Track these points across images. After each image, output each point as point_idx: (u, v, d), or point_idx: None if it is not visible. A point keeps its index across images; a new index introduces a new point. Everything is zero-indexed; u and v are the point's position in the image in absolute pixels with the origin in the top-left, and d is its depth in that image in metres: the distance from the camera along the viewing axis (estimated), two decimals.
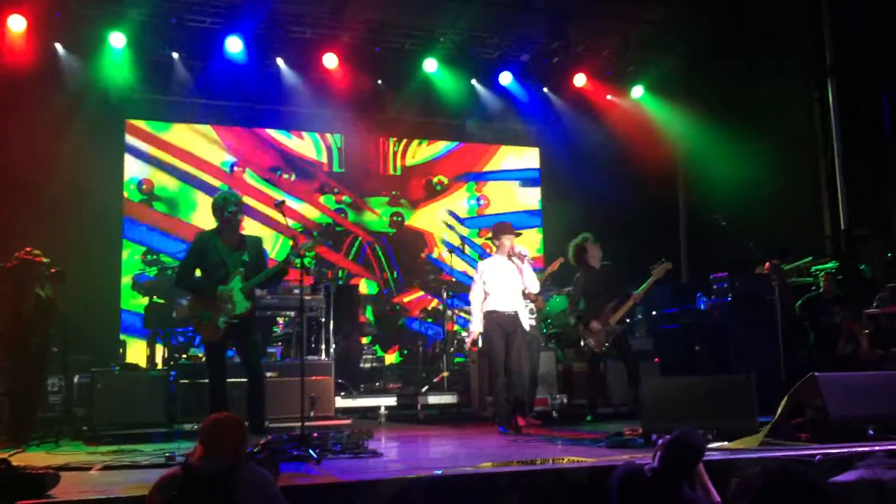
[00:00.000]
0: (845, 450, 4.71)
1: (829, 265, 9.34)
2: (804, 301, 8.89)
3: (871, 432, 5.08)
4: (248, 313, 6.01)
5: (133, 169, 11.04)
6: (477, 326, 7.12)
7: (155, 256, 10.79)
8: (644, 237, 10.99)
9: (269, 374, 7.16)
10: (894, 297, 7.95)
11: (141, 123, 11.13)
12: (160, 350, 8.69)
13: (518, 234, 7.27)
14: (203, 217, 11.12)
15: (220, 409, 5.68)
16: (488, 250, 12.23)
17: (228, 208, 6.04)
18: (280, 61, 11.04)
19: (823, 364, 7.58)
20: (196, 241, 6.19)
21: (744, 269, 8.82)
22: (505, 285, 7.05)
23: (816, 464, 4.46)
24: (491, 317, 6.99)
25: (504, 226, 7.28)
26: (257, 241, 6.29)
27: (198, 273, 6.15)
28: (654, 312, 9.45)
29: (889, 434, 5.14)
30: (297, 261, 5.76)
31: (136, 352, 9.74)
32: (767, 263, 8.96)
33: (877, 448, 4.64)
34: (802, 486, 1.81)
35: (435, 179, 12.67)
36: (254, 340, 6.15)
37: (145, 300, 8.83)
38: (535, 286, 7.17)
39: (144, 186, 11.03)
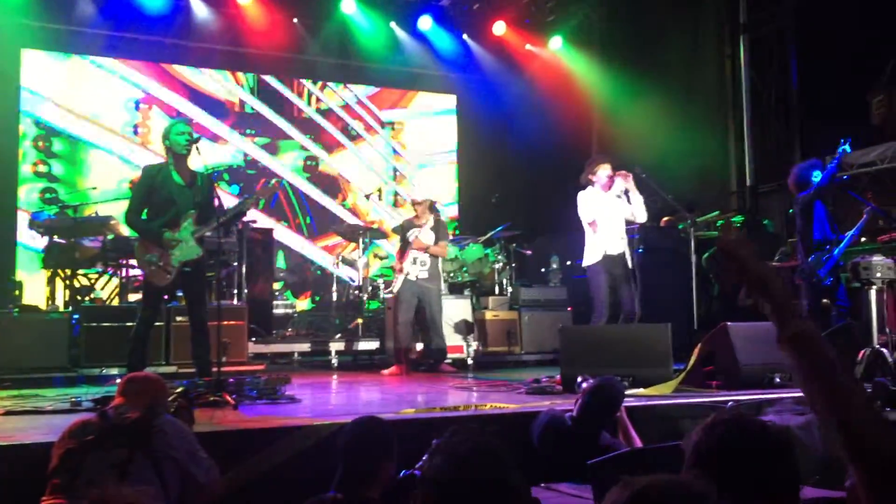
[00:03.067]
0: (755, 396, 4.90)
1: (735, 219, 9.66)
2: (710, 254, 9.17)
3: (778, 380, 5.29)
4: (199, 259, 5.60)
5: (30, 103, 10.41)
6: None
7: (54, 194, 10.27)
8: (559, 188, 11.08)
9: (179, 319, 6.97)
10: (794, 252, 8.27)
11: (39, 54, 10.48)
12: (60, 292, 8.30)
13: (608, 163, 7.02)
14: (101, 156, 10.66)
15: (140, 354, 5.48)
16: (399, 204, 12.16)
17: (182, 137, 5.49)
18: None
19: (727, 314, 7.85)
20: (144, 175, 5.62)
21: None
22: (612, 222, 6.85)
23: (728, 410, 4.60)
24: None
25: (598, 157, 7.19)
26: (208, 178, 5.77)
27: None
28: (568, 262, 9.57)
29: (793, 382, 5.37)
30: (261, 203, 5.45)
31: (33, 293, 9.31)
32: (665, 218, 9.21)
33: (784, 395, 4.83)
34: (757, 430, 1.83)
35: (350, 124, 12.43)
36: (201, 288, 5.79)
37: (44, 239, 8.39)
38: (643, 214, 6.95)
39: (42, 121, 10.43)
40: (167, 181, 5.51)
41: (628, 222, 6.98)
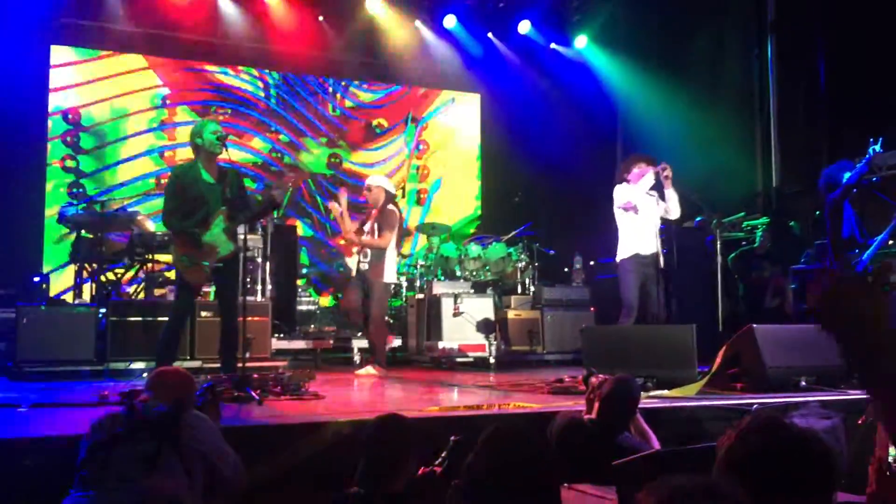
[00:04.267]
0: (780, 399, 4.85)
1: (761, 221, 9.58)
2: (736, 255, 9.11)
3: (803, 383, 5.24)
4: (233, 254, 5.66)
5: (58, 99, 10.52)
6: None
7: (81, 189, 10.37)
8: (583, 188, 11.05)
9: (204, 314, 7.03)
10: (821, 255, 8.18)
11: (67, 50, 10.60)
12: (87, 286, 8.40)
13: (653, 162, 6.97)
14: (128, 152, 10.76)
15: (172, 348, 5.58)
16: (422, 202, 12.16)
17: (215, 136, 5.53)
18: None
19: (751, 316, 7.80)
20: (174, 176, 5.70)
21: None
22: (646, 221, 6.81)
23: (756, 413, 4.57)
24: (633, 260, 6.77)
25: (634, 155, 7.14)
26: (236, 173, 5.81)
27: None
28: (591, 262, 9.54)
29: (819, 385, 5.32)
30: (286, 197, 5.49)
31: (60, 288, 9.43)
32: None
33: (810, 399, 4.78)
34: (783, 438, 1.81)
35: (375, 122, 12.46)
36: (234, 282, 5.84)
37: (72, 234, 8.49)
38: (677, 210, 6.91)
39: (70, 116, 10.54)
40: (197, 180, 5.57)
41: (662, 221, 6.95)
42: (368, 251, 7.27)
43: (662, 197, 6.83)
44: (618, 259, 6.90)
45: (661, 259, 6.79)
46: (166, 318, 6.05)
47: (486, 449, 1.88)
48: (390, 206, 7.37)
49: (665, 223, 7.07)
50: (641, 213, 6.75)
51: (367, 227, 7.38)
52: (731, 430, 1.78)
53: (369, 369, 7.12)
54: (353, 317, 7.57)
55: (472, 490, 1.83)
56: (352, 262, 7.51)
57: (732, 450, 1.72)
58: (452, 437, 2.94)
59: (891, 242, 7.49)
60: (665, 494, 1.36)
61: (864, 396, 1.93)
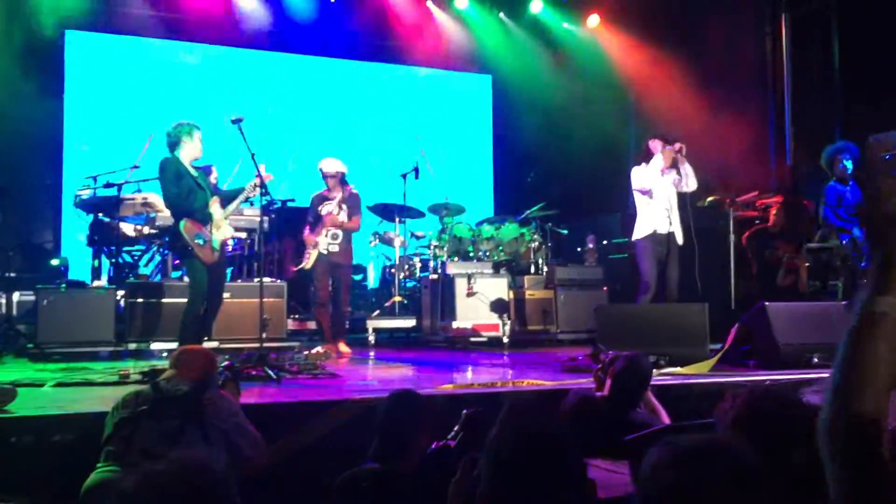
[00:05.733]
0: (793, 376, 4.89)
1: (774, 200, 9.56)
2: (750, 234, 9.11)
3: (816, 360, 5.28)
4: (229, 239, 6.22)
5: (74, 83, 10.59)
6: None
7: (98, 173, 10.43)
8: (596, 168, 11.06)
9: (224, 296, 7.10)
10: (833, 233, 8.18)
11: (81, 34, 10.64)
12: (105, 268, 8.49)
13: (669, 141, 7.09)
14: (143, 135, 10.82)
15: (195, 327, 5.81)
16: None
17: (191, 133, 5.93)
18: None
19: (765, 294, 7.81)
20: (167, 166, 5.95)
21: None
22: (662, 201, 6.94)
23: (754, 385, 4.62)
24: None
25: (654, 135, 7.25)
26: (208, 171, 6.41)
27: None
28: (604, 242, 9.56)
29: (832, 362, 5.34)
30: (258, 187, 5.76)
31: (78, 270, 9.52)
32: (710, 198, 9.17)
33: (823, 375, 4.81)
34: (787, 404, 1.88)
35: (385, 103, 12.46)
36: (225, 264, 6.33)
37: (89, 217, 8.57)
38: (694, 182, 7.03)
39: (85, 101, 10.61)
40: (188, 172, 5.90)
41: (681, 197, 7.02)
42: (340, 235, 7.48)
43: (679, 172, 6.91)
44: (634, 238, 6.98)
45: (680, 236, 6.85)
46: (184, 300, 6.16)
47: (509, 423, 1.93)
48: (354, 190, 7.70)
49: (682, 199, 7.13)
50: (657, 194, 6.81)
51: (325, 212, 7.50)
52: (731, 397, 1.85)
53: (343, 347, 7.39)
54: (327, 308, 7.58)
55: (495, 464, 1.88)
56: (313, 255, 7.51)
57: (738, 413, 1.79)
58: (465, 411, 3.00)
59: None
60: (677, 452, 1.42)
61: None
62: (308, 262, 7.53)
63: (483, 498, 1.91)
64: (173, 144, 5.96)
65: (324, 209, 7.56)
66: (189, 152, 5.92)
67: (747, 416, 1.81)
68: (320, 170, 7.62)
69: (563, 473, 1.87)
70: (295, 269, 8.04)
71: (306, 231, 7.68)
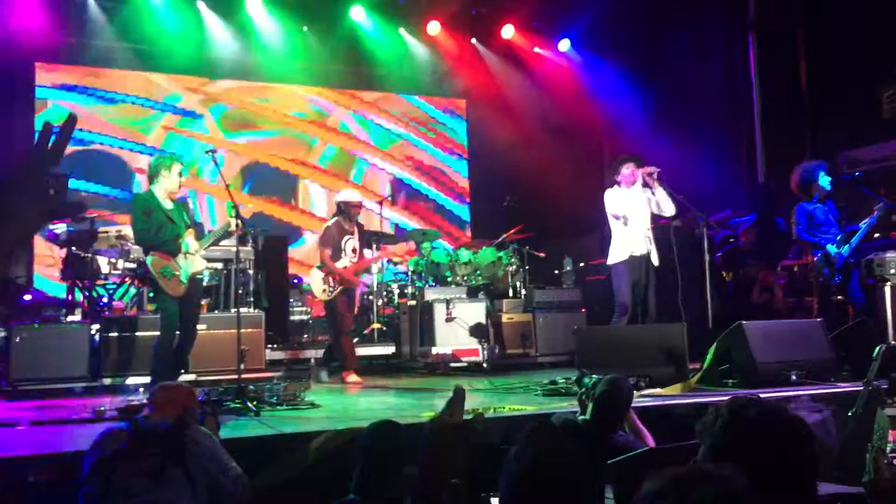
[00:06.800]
0: (772, 394, 4.92)
1: (747, 218, 9.66)
2: (724, 252, 9.20)
3: (794, 377, 5.32)
4: (201, 272, 6.10)
5: (45, 115, 10.50)
6: None
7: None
8: (570, 190, 11.11)
9: (199, 327, 7.03)
10: (807, 249, 8.27)
11: (51, 67, 10.59)
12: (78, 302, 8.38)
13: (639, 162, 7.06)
14: (116, 165, 10.76)
15: (169, 359, 5.77)
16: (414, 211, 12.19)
17: (171, 166, 5.91)
18: (202, 4, 10.65)
19: (740, 312, 7.86)
20: (138, 202, 5.96)
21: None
22: (638, 222, 6.91)
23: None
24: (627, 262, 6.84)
25: (623, 157, 7.18)
26: (184, 203, 6.36)
27: None
28: (581, 264, 9.60)
29: (809, 379, 5.39)
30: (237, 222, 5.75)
31: (52, 305, 9.38)
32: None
33: (801, 392, 4.85)
34: (769, 412, 1.91)
35: (360, 130, 12.48)
36: (200, 297, 6.27)
37: (62, 251, 8.47)
38: (670, 206, 6.93)
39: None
40: (158, 207, 5.86)
41: (655, 218, 7.03)
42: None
43: (653, 193, 6.91)
44: (610, 262, 6.95)
45: (655, 258, 6.86)
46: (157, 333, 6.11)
47: (521, 460, 1.93)
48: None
49: (658, 221, 7.16)
50: (632, 216, 6.82)
51: (355, 247, 7.58)
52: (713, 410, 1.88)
53: (355, 377, 7.35)
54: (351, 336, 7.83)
55: (513, 493, 1.89)
56: (338, 288, 7.51)
57: (723, 422, 1.82)
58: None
59: (876, 235, 7.60)
60: (665, 483, 1.41)
61: (854, 388, 2.02)
62: (335, 292, 7.47)
63: None
64: (152, 177, 5.95)
65: (347, 244, 7.53)
66: (165, 185, 5.89)
67: (730, 423, 1.84)
68: (342, 202, 7.55)
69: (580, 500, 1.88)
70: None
71: (342, 264, 7.49)
